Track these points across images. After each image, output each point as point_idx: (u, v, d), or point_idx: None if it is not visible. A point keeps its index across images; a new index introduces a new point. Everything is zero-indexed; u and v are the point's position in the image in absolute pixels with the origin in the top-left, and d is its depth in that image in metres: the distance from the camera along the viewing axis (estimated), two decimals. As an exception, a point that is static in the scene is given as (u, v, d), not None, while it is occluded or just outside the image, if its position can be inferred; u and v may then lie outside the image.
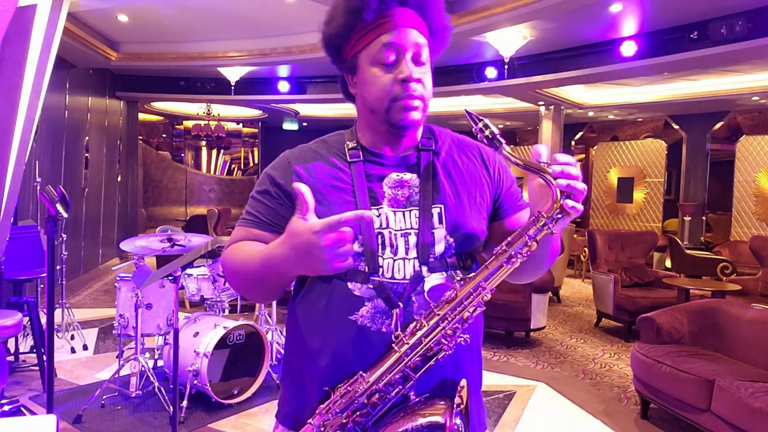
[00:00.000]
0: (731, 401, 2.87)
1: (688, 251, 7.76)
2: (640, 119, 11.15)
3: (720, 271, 6.78)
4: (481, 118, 1.01)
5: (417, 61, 1.08)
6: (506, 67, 6.88)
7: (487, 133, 1.00)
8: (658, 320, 3.68)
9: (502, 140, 1.00)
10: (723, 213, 10.58)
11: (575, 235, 9.48)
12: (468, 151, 1.19)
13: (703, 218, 9.76)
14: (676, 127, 9.97)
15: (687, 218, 9.48)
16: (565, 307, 6.93)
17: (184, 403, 3.32)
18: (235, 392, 3.54)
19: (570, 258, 8.93)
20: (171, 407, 2.86)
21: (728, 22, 5.18)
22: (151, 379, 3.47)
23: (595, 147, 11.68)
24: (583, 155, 12.91)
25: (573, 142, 11.59)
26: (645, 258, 6.49)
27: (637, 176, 10.85)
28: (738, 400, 2.82)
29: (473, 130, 1.02)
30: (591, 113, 10.14)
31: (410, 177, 1.12)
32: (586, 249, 7.45)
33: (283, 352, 4.25)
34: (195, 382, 3.39)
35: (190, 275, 4.11)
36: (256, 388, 3.61)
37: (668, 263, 7.98)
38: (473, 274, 1.01)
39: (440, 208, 1.10)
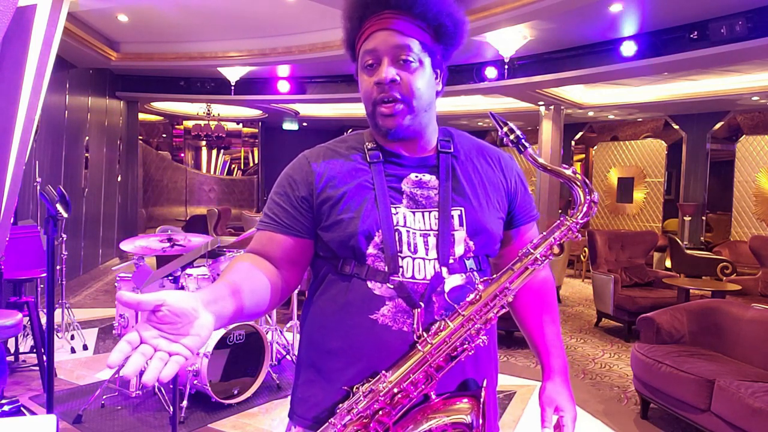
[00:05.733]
0: (731, 401, 2.87)
1: (688, 251, 7.76)
2: (640, 119, 11.14)
3: (720, 271, 6.78)
4: (506, 121, 1.04)
5: (399, 62, 1.06)
6: (506, 67, 6.88)
7: (512, 137, 1.04)
8: (658, 320, 3.68)
9: (527, 144, 1.04)
10: (723, 213, 10.58)
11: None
12: (488, 157, 1.19)
13: (703, 218, 9.76)
14: (676, 127, 9.97)
15: (687, 218, 9.48)
16: (565, 307, 6.93)
17: (184, 403, 3.32)
18: (235, 392, 3.53)
19: (570, 258, 8.93)
20: (171, 407, 2.86)
21: (728, 22, 5.17)
22: (151, 379, 3.47)
23: (595, 147, 11.68)
24: (583, 155, 12.91)
25: (573, 142, 11.59)
26: (645, 258, 6.48)
27: (637, 176, 10.84)
28: (738, 400, 2.82)
29: (498, 133, 1.05)
30: (591, 113, 10.13)
31: (429, 178, 1.12)
32: (586, 249, 7.45)
33: (284, 352, 4.26)
34: (195, 382, 3.39)
35: (190, 275, 4.11)
36: (256, 388, 3.61)
37: (668, 263, 7.97)
38: (495, 276, 1.01)
39: (461, 210, 1.10)
